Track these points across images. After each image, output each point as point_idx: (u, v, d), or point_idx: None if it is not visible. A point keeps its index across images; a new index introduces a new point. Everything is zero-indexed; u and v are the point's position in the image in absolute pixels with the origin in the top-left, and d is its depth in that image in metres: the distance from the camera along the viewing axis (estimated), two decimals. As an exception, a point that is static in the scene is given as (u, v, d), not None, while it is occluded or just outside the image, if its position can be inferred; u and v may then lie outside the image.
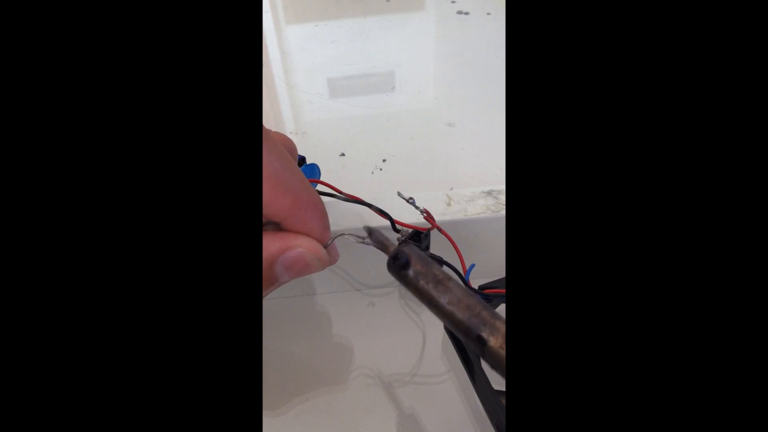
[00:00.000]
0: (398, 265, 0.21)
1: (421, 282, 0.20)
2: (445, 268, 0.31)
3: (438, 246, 0.32)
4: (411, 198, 0.32)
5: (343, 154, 0.49)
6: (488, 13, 0.73)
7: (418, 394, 0.31)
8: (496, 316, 0.18)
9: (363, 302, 0.36)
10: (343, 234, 0.24)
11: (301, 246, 0.22)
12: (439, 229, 0.31)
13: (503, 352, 0.17)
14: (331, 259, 0.24)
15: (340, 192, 0.32)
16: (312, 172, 0.34)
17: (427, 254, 0.32)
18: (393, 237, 0.31)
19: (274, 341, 0.34)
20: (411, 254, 0.21)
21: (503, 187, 0.35)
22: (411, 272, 0.20)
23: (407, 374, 0.32)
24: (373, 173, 0.46)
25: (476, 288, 0.31)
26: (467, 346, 0.19)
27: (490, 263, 0.34)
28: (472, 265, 0.31)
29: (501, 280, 0.32)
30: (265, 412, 0.30)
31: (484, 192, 0.35)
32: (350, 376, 0.32)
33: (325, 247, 0.23)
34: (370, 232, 0.23)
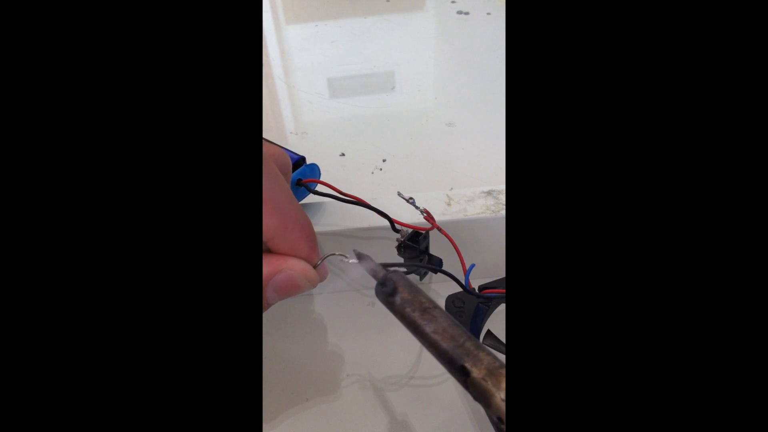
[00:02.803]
0: (385, 292, 0.21)
1: (407, 309, 0.20)
2: (440, 273, 0.31)
3: (438, 246, 0.32)
4: (411, 198, 0.32)
5: (343, 154, 0.49)
6: (488, 13, 0.73)
7: (418, 394, 0.31)
8: (480, 347, 0.18)
9: (363, 302, 0.36)
10: (334, 254, 0.24)
11: (291, 268, 0.22)
12: (439, 229, 0.31)
13: (485, 384, 0.17)
14: (321, 277, 0.24)
15: (340, 192, 0.32)
16: (312, 172, 0.34)
17: (427, 255, 0.32)
18: (392, 237, 0.31)
19: (274, 342, 0.34)
20: (398, 281, 0.21)
21: (503, 187, 0.35)
22: (398, 299, 0.20)
23: (407, 374, 0.32)
24: (373, 173, 0.46)
25: (476, 288, 0.31)
26: (451, 375, 0.19)
27: (490, 263, 0.34)
28: (472, 265, 0.31)
29: (501, 280, 0.32)
30: (264, 414, 0.30)
31: (484, 192, 0.35)
32: (350, 377, 0.32)
33: (315, 267, 0.23)
34: (360, 256, 0.23)
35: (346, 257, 0.24)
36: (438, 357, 0.19)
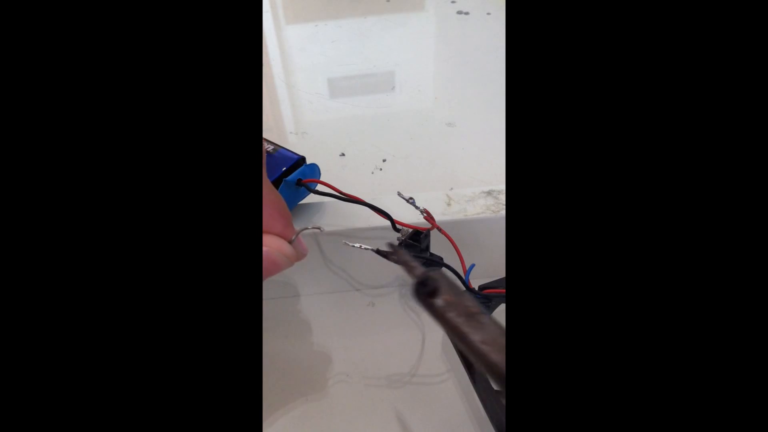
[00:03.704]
0: (425, 292, 0.19)
1: (450, 314, 0.18)
2: (444, 267, 0.31)
3: (438, 246, 0.32)
4: (411, 198, 0.32)
5: (343, 154, 0.48)
6: (488, 13, 0.73)
7: (418, 394, 0.31)
8: None
9: (363, 302, 0.36)
10: (308, 228, 0.24)
11: (267, 245, 0.21)
12: (440, 229, 0.31)
13: None
14: (299, 254, 0.23)
15: (340, 192, 0.32)
16: (312, 172, 0.34)
17: (427, 254, 0.32)
18: (393, 236, 0.31)
19: (274, 342, 0.34)
20: (440, 281, 0.19)
21: (503, 187, 0.35)
22: (439, 301, 0.18)
23: (407, 374, 0.32)
24: (373, 173, 0.46)
25: (476, 288, 0.31)
26: (500, 390, 0.17)
27: (489, 263, 0.34)
28: (472, 265, 0.31)
29: (501, 280, 0.32)
30: (264, 413, 0.30)
31: (484, 192, 0.35)
32: (350, 376, 0.32)
33: (290, 242, 0.22)
34: (394, 250, 0.21)
35: (321, 229, 0.24)
36: (487, 370, 0.17)
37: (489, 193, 0.35)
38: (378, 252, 0.29)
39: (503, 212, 0.34)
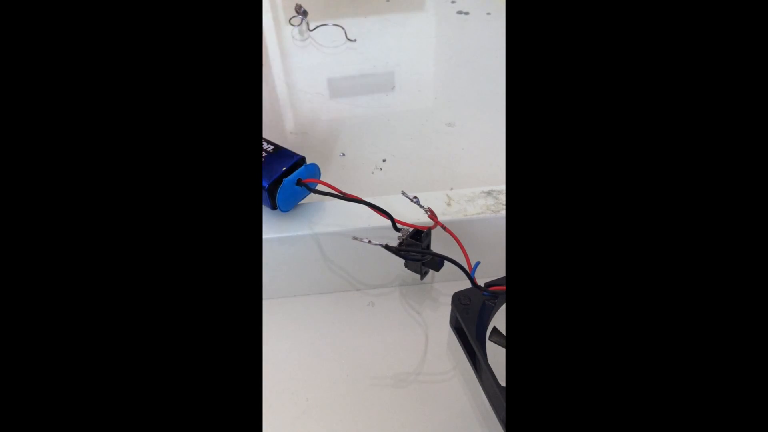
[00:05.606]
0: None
1: None
2: (448, 262, 0.31)
3: (438, 246, 0.32)
4: (415, 197, 0.32)
5: (343, 154, 0.48)
6: (488, 13, 0.73)
7: (420, 393, 0.31)
8: None
9: (363, 302, 0.36)
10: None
11: None
12: (444, 227, 0.32)
13: None
14: None
15: (340, 192, 0.32)
16: (312, 172, 0.34)
17: (429, 252, 0.32)
18: (393, 236, 0.31)
19: (274, 342, 0.34)
20: None
21: (503, 187, 0.35)
22: None
23: (408, 374, 0.32)
24: (373, 173, 0.46)
25: (482, 285, 0.31)
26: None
27: (489, 263, 0.34)
28: (478, 263, 0.31)
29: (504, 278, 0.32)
30: (264, 414, 0.30)
31: (484, 192, 0.35)
32: (351, 377, 0.32)
33: None
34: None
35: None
36: None
37: (489, 193, 0.35)
38: (387, 248, 0.29)
39: (503, 212, 0.34)
